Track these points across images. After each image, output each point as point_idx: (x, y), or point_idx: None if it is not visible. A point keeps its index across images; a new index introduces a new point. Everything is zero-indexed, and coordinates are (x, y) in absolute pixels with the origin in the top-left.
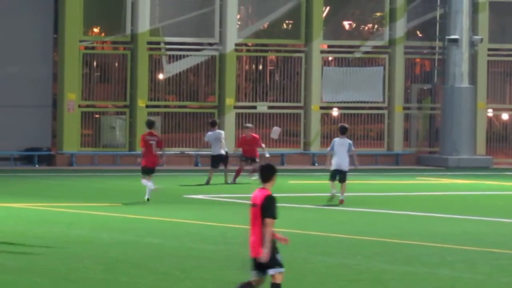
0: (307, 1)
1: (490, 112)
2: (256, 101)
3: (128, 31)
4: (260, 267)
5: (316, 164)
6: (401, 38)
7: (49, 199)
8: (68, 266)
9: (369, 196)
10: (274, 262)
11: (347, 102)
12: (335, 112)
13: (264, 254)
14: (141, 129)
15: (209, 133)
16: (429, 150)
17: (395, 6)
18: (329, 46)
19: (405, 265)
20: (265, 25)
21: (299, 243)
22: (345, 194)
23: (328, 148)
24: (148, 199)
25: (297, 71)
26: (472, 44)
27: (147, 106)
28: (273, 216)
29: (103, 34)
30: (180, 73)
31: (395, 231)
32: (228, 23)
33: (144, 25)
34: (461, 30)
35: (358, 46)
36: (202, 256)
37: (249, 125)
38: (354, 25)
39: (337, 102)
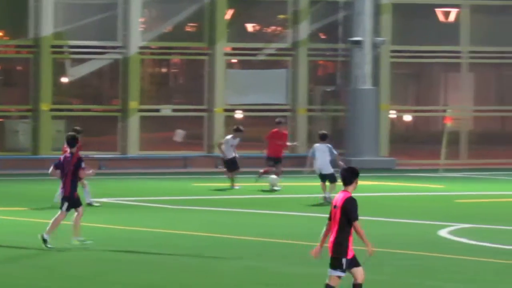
0: (210, 4)
1: (393, 114)
2: (160, 104)
3: (32, 34)
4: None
5: (220, 167)
6: (305, 40)
7: None
8: None
9: (276, 198)
10: (338, 265)
11: (251, 105)
12: (238, 115)
13: (369, 249)
14: (45, 133)
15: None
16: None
17: (298, 9)
18: (233, 49)
19: (314, 267)
20: (169, 28)
21: (207, 246)
22: (331, 193)
23: (308, 154)
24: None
25: (201, 74)
26: (375, 46)
27: (50, 110)
28: (356, 218)
29: (6, 38)
30: (84, 76)
31: (304, 232)
32: (131, 26)
33: (47, 28)
34: (364, 32)
35: (262, 49)
36: (108, 259)
37: (282, 120)
38: (258, 27)
39: (241, 105)
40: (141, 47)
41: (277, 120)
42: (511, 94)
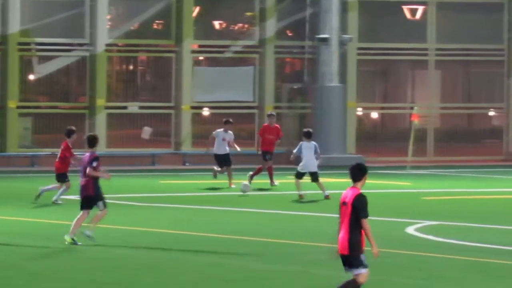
0: (177, 1)
1: (360, 111)
2: (127, 102)
3: None
4: (347, 264)
5: (187, 164)
6: (272, 37)
7: None
8: None
9: (241, 195)
10: (359, 262)
11: (218, 102)
12: (206, 112)
13: (375, 250)
14: (12, 131)
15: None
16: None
17: (265, 6)
18: (200, 46)
19: (278, 264)
20: (136, 26)
21: (171, 243)
22: (325, 190)
23: (294, 150)
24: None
25: (168, 71)
26: (342, 43)
27: (17, 107)
28: (366, 216)
29: None
30: (51, 73)
31: (269, 230)
32: (98, 23)
33: (14, 26)
34: (330, 29)
35: (229, 46)
36: (76, 256)
37: (273, 112)
38: (225, 25)
39: (208, 102)
40: (108, 45)
41: (268, 113)
42: (477, 91)
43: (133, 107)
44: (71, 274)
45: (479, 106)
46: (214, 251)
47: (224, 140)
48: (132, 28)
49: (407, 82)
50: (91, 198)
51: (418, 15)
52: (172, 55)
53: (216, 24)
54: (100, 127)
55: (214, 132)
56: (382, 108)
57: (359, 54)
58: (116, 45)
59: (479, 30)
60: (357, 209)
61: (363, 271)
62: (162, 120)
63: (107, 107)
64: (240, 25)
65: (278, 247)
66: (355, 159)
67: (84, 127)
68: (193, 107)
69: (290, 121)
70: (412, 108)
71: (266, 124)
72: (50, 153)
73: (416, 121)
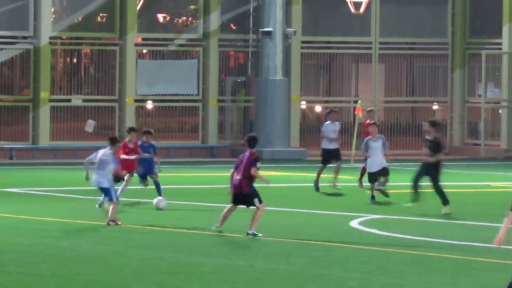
0: None
1: (303, 105)
2: (71, 94)
3: None
4: None
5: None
6: (215, 31)
7: None
8: None
9: (184, 189)
10: None
11: (162, 95)
12: (149, 105)
13: (498, 239)
14: None
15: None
16: (244, 142)
17: None
18: (143, 39)
19: (222, 258)
20: (80, 18)
21: (116, 236)
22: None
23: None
24: None
25: (111, 64)
26: (286, 37)
27: None
28: None
29: None
30: None
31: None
32: (42, 16)
33: None
34: (274, 22)
35: (173, 39)
36: (18, 249)
37: (372, 108)
38: (169, 18)
39: (152, 95)
40: (52, 37)
41: (368, 109)
42: (421, 85)
43: (77, 100)
44: (12, 267)
45: (423, 100)
46: (159, 244)
47: (334, 132)
48: (76, 21)
49: (351, 75)
50: (246, 195)
51: (362, 9)
52: (116, 48)
53: (160, 17)
54: (44, 120)
55: (322, 127)
56: (326, 101)
57: (303, 48)
58: (60, 38)
59: (423, 24)
60: None
61: None
62: (106, 113)
63: (51, 100)
64: (184, 18)
65: (221, 240)
66: (299, 153)
67: (28, 120)
68: (136, 100)
69: (234, 114)
70: (356, 101)
71: (368, 120)
72: None
73: (360, 114)
